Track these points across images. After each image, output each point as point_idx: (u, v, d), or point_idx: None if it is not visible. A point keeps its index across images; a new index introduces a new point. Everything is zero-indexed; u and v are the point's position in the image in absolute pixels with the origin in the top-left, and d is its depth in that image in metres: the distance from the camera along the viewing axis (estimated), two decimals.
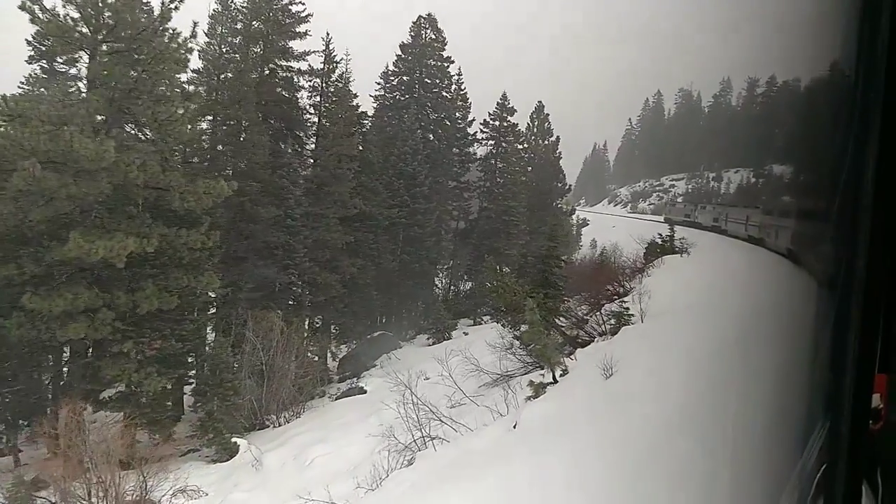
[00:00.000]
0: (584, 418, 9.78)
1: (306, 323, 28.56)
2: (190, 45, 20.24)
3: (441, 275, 43.87)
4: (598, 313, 20.34)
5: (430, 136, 39.28)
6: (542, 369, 17.42)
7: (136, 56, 18.24)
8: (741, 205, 30.88)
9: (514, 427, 10.97)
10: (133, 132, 20.15)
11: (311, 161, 28.62)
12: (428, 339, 34.39)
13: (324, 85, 28.11)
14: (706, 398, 5.53)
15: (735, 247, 23.82)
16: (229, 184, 18.85)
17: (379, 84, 40.95)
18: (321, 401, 26.07)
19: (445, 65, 39.78)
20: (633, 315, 17.29)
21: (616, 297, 23.79)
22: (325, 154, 27.42)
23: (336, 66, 28.64)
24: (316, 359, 31.80)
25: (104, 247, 15.91)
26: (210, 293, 22.59)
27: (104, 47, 19.09)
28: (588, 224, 77.53)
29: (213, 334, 24.73)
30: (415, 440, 13.54)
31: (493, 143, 45.91)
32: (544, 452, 8.31)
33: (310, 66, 28.31)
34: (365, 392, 25.68)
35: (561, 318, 21.07)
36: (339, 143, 27.47)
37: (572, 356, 16.88)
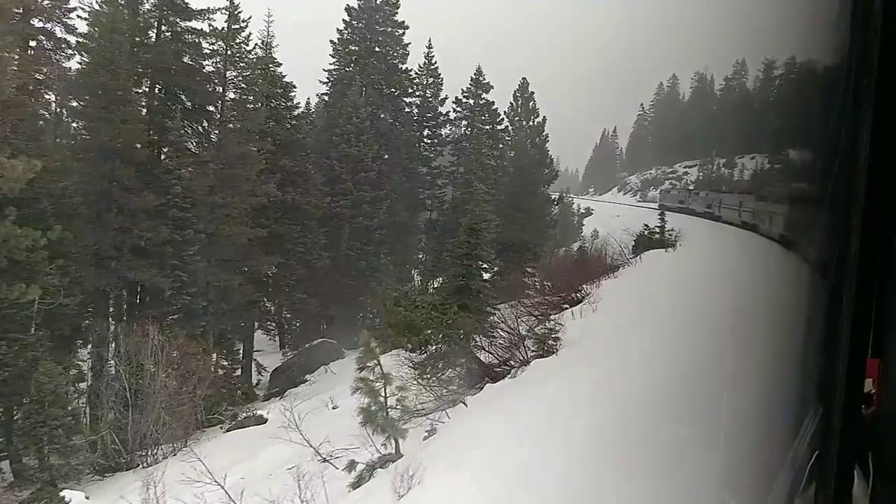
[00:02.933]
0: None
1: (211, 334, 23.88)
2: None
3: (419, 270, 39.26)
4: (534, 330, 15.35)
5: (383, 113, 34.17)
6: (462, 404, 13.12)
7: None
8: (736, 191, 27.92)
9: None
10: None
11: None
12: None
13: (228, 49, 23.26)
14: (699, 385, 5.38)
15: (727, 234, 21.94)
16: (29, 163, 14.15)
17: (334, 56, 36.07)
18: (214, 431, 21.51)
19: (399, 31, 34.57)
20: (558, 340, 12.70)
21: (568, 305, 19.20)
22: (225, 130, 22.64)
23: (245, 26, 23.79)
24: (237, 372, 27.46)
25: None
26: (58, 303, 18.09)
27: None
28: (592, 214, 74.81)
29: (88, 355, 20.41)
30: None
31: (466, 123, 41.08)
32: None
33: (211, 25, 23.52)
34: (264, 422, 20.98)
35: (482, 339, 16.17)
36: (244, 117, 22.69)
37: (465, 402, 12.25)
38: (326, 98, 34.74)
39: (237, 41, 23.31)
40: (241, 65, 23.48)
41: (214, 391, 24.05)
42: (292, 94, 27.34)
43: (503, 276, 35.71)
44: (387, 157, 32.19)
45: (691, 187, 68.53)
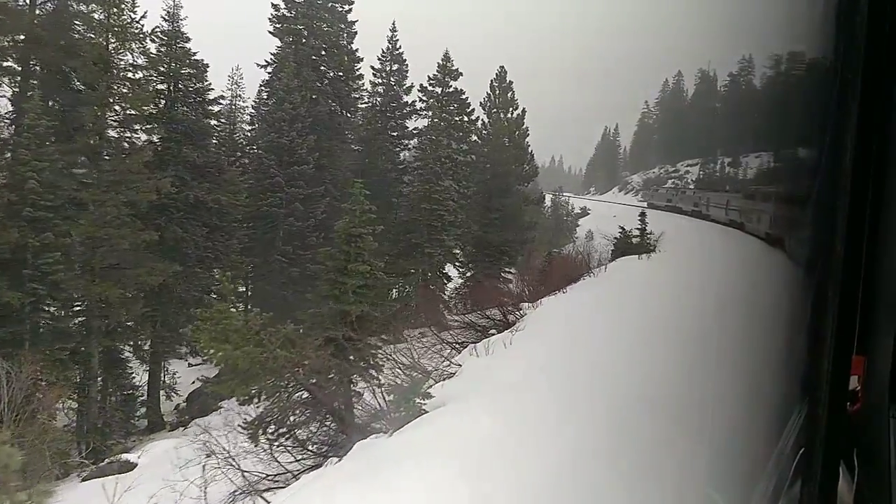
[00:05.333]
0: None
1: (94, 357, 19.97)
2: None
3: None
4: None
5: (325, 98, 30.14)
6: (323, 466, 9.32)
7: None
8: (723, 189, 25.81)
9: None
10: None
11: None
12: None
13: (108, 17, 19.40)
14: (685, 381, 5.28)
15: (713, 234, 20.65)
16: None
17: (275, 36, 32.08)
18: (73, 480, 17.61)
19: (343, 7, 30.52)
20: (428, 397, 8.65)
21: (496, 330, 15.38)
22: (103, 113, 18.75)
23: None
24: (141, 398, 23.65)
25: None
26: None
27: None
28: (588, 214, 72.71)
29: None
30: None
31: (432, 114, 37.15)
32: None
33: None
34: (132, 468, 17.06)
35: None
36: (123, 98, 18.82)
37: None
38: (267, 84, 30.84)
39: (120, 7, 19.42)
40: (125, 35, 19.53)
41: (103, 423, 20.46)
42: (206, 74, 23.43)
43: (477, 281, 32.04)
44: (327, 148, 28.11)
45: (691, 186, 65.39)
